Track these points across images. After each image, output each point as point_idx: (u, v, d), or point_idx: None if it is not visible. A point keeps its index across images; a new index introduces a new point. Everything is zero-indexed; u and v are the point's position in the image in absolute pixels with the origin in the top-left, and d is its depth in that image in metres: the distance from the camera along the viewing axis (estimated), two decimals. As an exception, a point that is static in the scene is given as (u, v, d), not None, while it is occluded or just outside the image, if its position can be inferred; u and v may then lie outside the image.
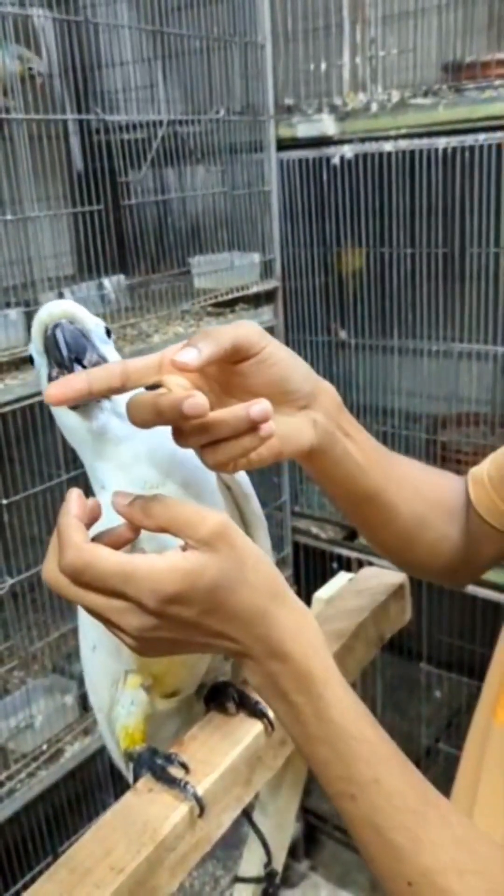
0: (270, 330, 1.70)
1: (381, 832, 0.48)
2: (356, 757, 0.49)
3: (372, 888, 2.04)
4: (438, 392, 1.58)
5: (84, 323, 0.54)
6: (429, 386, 1.59)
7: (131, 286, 1.36)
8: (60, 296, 1.24)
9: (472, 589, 1.51)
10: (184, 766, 0.64)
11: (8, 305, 1.20)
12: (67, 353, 0.52)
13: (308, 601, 0.88)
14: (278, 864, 0.82)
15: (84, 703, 1.40)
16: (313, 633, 0.50)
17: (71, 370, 0.52)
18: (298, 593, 0.53)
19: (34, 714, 1.30)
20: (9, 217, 1.12)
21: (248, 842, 0.85)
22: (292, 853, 2.04)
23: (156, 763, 0.64)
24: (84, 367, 0.53)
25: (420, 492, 0.74)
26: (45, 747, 1.32)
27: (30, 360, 0.57)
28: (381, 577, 0.91)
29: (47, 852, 1.38)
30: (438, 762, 1.80)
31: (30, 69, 1.17)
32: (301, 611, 0.51)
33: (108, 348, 0.56)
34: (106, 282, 1.27)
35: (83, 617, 0.65)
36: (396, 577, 0.91)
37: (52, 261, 1.45)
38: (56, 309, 0.53)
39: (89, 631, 0.63)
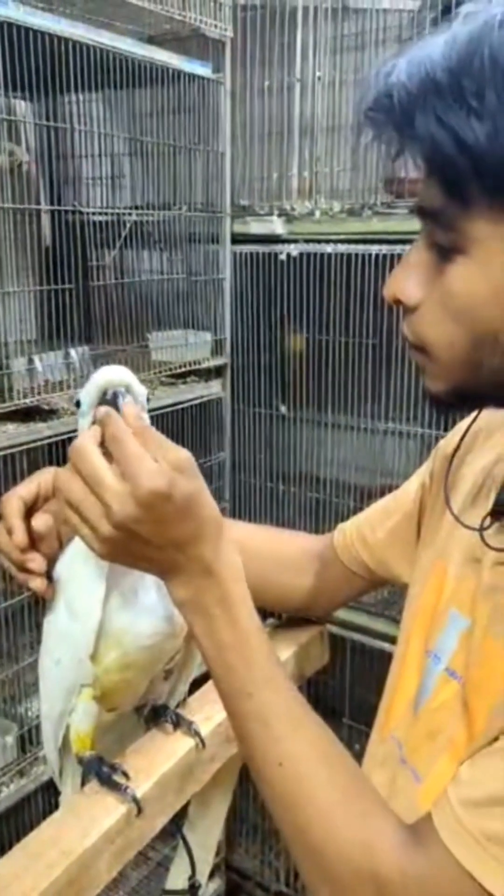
0: (219, 401, 1.86)
1: (267, 722, 0.61)
2: (258, 661, 0.62)
3: None
4: (367, 465, 1.75)
5: (136, 395, 0.66)
6: (358, 459, 1.76)
7: (95, 356, 1.50)
8: (30, 361, 1.37)
9: (383, 645, 1.67)
10: (125, 775, 0.75)
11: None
12: None
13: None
14: (202, 877, 0.92)
15: (23, 745, 1.47)
16: (239, 566, 0.64)
17: None
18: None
19: (-25, 752, 1.36)
20: (-10, 291, 1.25)
21: (176, 858, 0.94)
22: (214, 910, 2.07)
23: (102, 770, 0.75)
24: None
25: (269, 553, 0.98)
26: (-18, 785, 1.38)
27: (76, 404, 0.68)
28: (303, 624, 1.05)
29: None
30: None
31: (18, 164, 1.32)
32: (233, 547, 0.64)
33: (146, 416, 0.67)
34: (72, 351, 1.41)
35: (50, 634, 0.76)
36: (317, 625, 1.05)
37: (18, 326, 1.59)
38: (116, 376, 0.65)
39: (56, 647, 0.75)
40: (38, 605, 1.51)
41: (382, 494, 0.96)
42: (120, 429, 0.60)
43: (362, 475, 1.75)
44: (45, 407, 1.46)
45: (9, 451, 1.32)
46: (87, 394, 0.68)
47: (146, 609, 0.73)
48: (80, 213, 1.53)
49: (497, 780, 0.55)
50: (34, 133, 1.65)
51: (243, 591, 0.64)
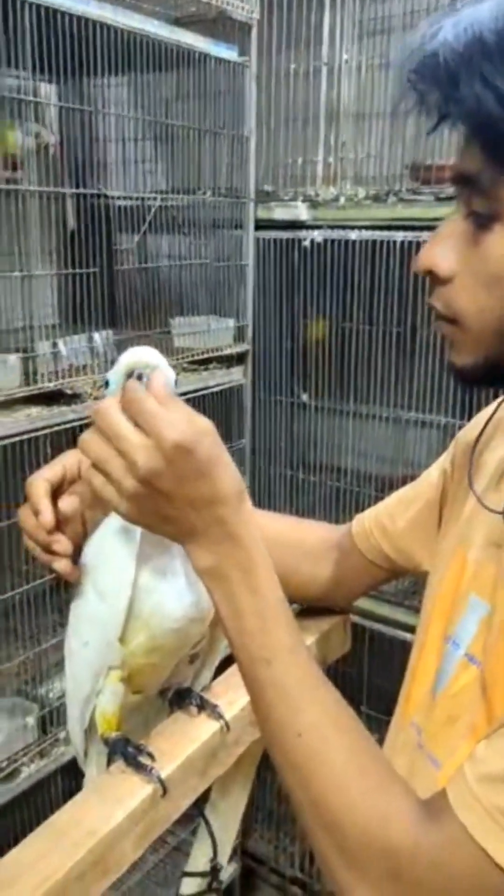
0: (240, 388, 1.86)
1: (286, 691, 0.61)
2: (278, 630, 0.62)
3: (303, 933, 2.10)
4: (388, 455, 1.75)
5: (165, 376, 0.65)
6: (379, 448, 1.76)
7: (118, 341, 1.50)
8: (54, 345, 1.38)
9: (403, 635, 1.67)
10: (150, 756, 0.75)
11: (6, 351, 1.33)
12: None
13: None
14: (223, 859, 0.92)
15: (44, 727, 1.48)
16: (259, 533, 0.63)
17: None
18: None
19: (-4, 732, 1.38)
20: (16, 274, 1.25)
21: (197, 840, 0.95)
22: (229, 894, 2.09)
23: (128, 751, 0.75)
24: None
25: (288, 542, 0.96)
26: (4, 764, 1.40)
27: (105, 384, 0.68)
28: (326, 612, 1.05)
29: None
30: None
31: (45, 146, 1.32)
32: (253, 513, 0.64)
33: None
34: (96, 336, 1.41)
35: (78, 616, 0.76)
36: (340, 613, 1.05)
37: (41, 310, 1.59)
38: (144, 357, 0.65)
39: (84, 629, 0.75)
40: (59, 588, 1.52)
41: (404, 484, 0.96)
42: (139, 393, 0.60)
43: (383, 465, 1.74)
44: (69, 391, 1.47)
45: (33, 434, 1.33)
46: (115, 373, 0.68)
47: (174, 593, 0.73)
48: (105, 196, 1.53)
49: None
50: (59, 116, 1.65)
51: (264, 557, 0.63)
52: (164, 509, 0.61)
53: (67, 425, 1.39)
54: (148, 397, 0.60)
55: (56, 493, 0.76)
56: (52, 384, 1.36)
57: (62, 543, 0.73)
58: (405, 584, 1.69)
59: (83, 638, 0.75)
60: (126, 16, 1.36)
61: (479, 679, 0.66)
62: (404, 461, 1.70)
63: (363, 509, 0.97)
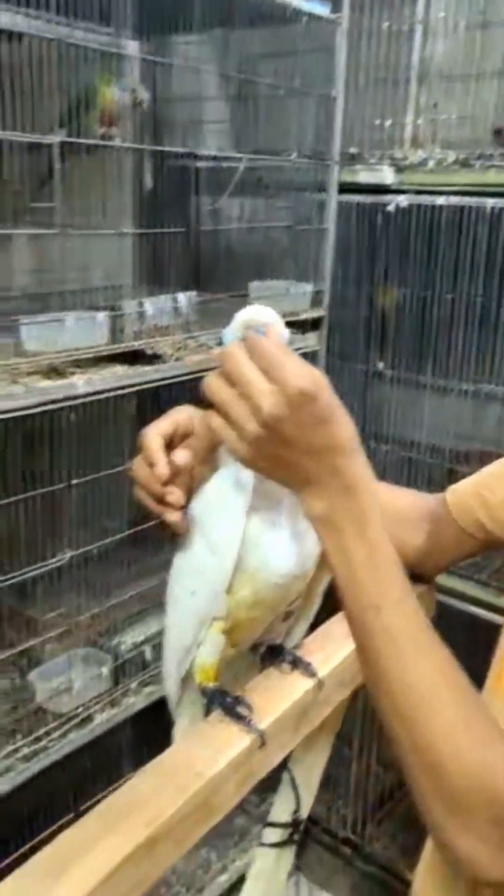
0: (314, 354, 1.85)
1: (395, 640, 0.62)
2: (388, 579, 0.63)
3: (351, 891, 2.14)
4: (464, 430, 1.72)
5: (278, 333, 0.66)
6: (456, 423, 1.73)
7: (201, 302, 1.50)
8: (140, 304, 1.38)
9: (473, 609, 1.66)
10: (249, 707, 0.77)
11: (96, 308, 1.34)
12: None
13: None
14: (303, 813, 0.95)
15: (116, 677, 1.53)
16: (374, 484, 0.64)
17: None
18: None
19: (73, 679, 1.42)
20: (107, 231, 1.26)
21: (279, 793, 0.97)
22: (279, 850, 2.14)
23: (227, 701, 0.77)
24: None
25: (383, 506, 0.94)
26: (79, 710, 1.45)
27: (219, 342, 0.69)
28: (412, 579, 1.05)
29: (69, 810, 1.49)
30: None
31: (139, 103, 1.32)
32: (368, 465, 0.64)
33: None
34: (180, 296, 1.41)
35: (185, 567, 0.77)
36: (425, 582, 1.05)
37: (126, 270, 1.60)
38: (260, 315, 0.67)
39: (191, 580, 0.76)
40: (133, 544, 1.56)
41: (482, 461, 0.95)
42: (262, 342, 0.61)
43: (459, 440, 1.72)
44: (149, 352, 1.48)
45: (118, 392, 1.35)
46: (231, 330, 0.69)
47: (280, 548, 0.73)
48: (189, 156, 1.52)
49: None
50: (144, 74, 1.63)
51: (376, 508, 0.64)
52: (284, 455, 0.62)
53: (151, 384, 1.40)
54: (272, 346, 0.61)
55: (167, 447, 0.77)
56: (137, 343, 1.37)
57: (175, 495, 0.74)
58: (477, 558, 1.68)
59: (190, 588, 0.76)
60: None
61: None
62: (482, 437, 1.68)
63: (435, 481, 0.97)
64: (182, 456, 0.75)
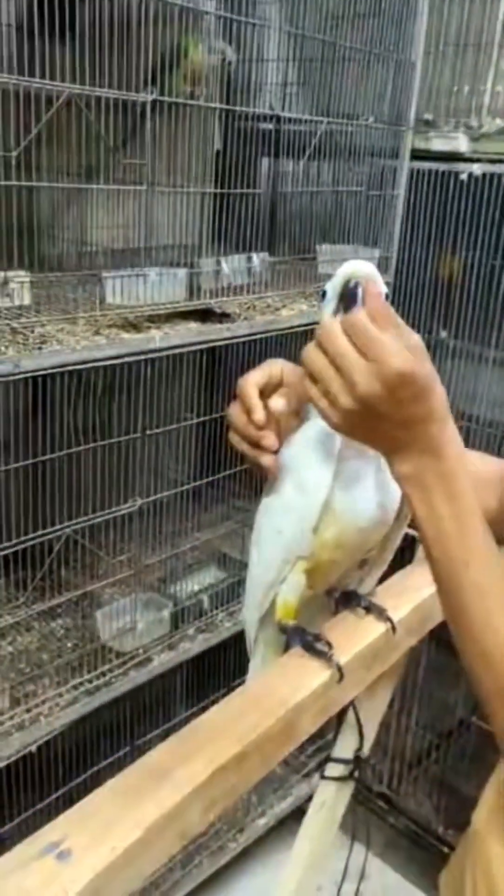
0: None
1: (483, 591, 0.65)
2: (474, 535, 0.66)
3: (384, 845, 2.21)
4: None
5: (377, 286, 0.69)
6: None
7: (273, 263, 1.53)
8: (217, 263, 1.42)
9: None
10: (329, 644, 0.82)
11: (174, 265, 1.38)
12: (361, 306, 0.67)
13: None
14: (366, 751, 1.00)
15: (175, 622, 1.60)
16: (461, 447, 0.68)
17: None
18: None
19: (136, 621, 1.50)
20: (191, 190, 1.29)
21: (343, 731, 1.03)
22: (315, 801, 2.21)
23: (306, 638, 0.82)
24: None
25: None
26: (140, 651, 1.52)
27: (322, 295, 0.73)
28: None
29: (125, 745, 1.58)
30: (472, 733, 1.96)
31: (228, 64, 1.34)
32: (457, 436, 0.68)
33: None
34: (254, 256, 1.44)
35: (274, 508, 0.82)
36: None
37: (204, 228, 1.62)
38: (361, 269, 0.70)
39: (280, 519, 0.81)
40: (198, 496, 1.61)
41: None
42: (361, 318, 0.64)
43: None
44: (219, 310, 1.52)
45: (191, 347, 1.39)
46: (333, 284, 0.72)
47: (365, 495, 0.78)
48: (272, 117, 1.54)
49: None
50: (220, 34, 1.64)
51: (464, 468, 0.67)
52: (375, 426, 0.66)
53: (222, 342, 1.44)
54: (370, 323, 0.63)
55: (261, 395, 0.81)
56: (213, 301, 1.40)
57: (270, 439, 0.78)
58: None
59: (278, 527, 0.81)
60: None
61: None
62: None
63: (495, 445, 0.98)
64: (278, 403, 0.80)
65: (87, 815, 0.61)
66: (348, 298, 0.69)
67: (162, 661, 1.56)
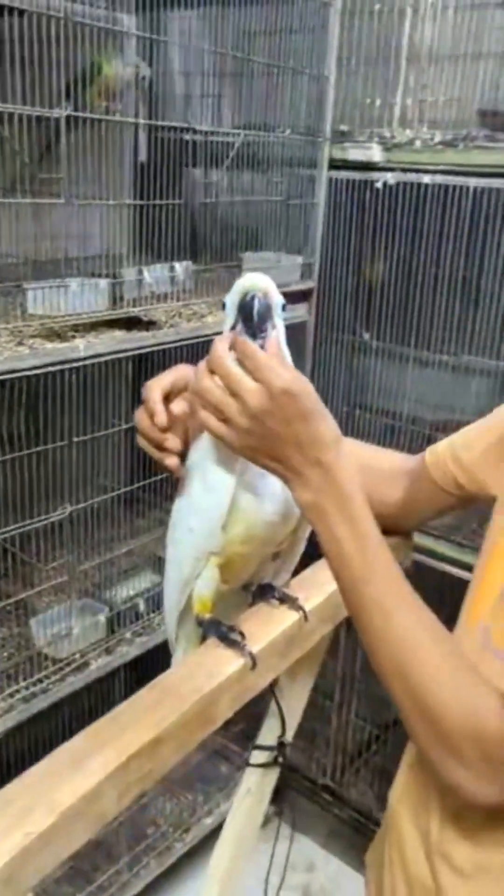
0: (303, 325, 1.92)
1: (384, 606, 0.71)
2: (374, 553, 0.72)
3: (328, 836, 2.27)
4: (445, 401, 1.81)
5: (272, 299, 0.74)
6: (437, 394, 1.82)
7: (197, 272, 1.57)
8: (139, 273, 1.45)
9: (445, 567, 1.76)
10: (242, 634, 0.86)
11: (95, 275, 1.41)
12: (256, 321, 0.73)
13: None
14: (288, 736, 1.04)
15: (111, 626, 1.62)
16: (354, 470, 0.73)
17: (254, 333, 0.72)
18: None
19: (72, 626, 1.51)
20: (111, 202, 1.33)
21: (267, 719, 1.07)
22: (261, 797, 2.25)
23: (221, 629, 0.86)
24: (261, 332, 0.73)
25: (364, 465, 0.99)
26: (76, 656, 1.54)
27: (223, 306, 0.77)
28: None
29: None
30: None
31: (142, 78, 1.37)
32: (349, 454, 0.73)
33: (279, 321, 0.76)
34: (177, 265, 1.48)
35: (185, 507, 0.86)
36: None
37: (125, 239, 1.66)
38: (257, 282, 0.74)
39: (191, 518, 0.85)
40: (130, 503, 1.64)
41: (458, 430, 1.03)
42: (250, 346, 0.70)
43: (440, 410, 1.80)
44: (146, 318, 1.55)
45: (117, 355, 1.42)
46: (231, 297, 0.77)
47: (269, 492, 0.82)
48: (187, 130, 1.58)
49: None
50: (138, 49, 1.68)
51: (359, 491, 0.72)
52: (270, 446, 0.71)
53: (148, 349, 1.48)
54: (258, 349, 0.69)
55: (166, 399, 0.85)
56: (136, 309, 1.44)
57: (173, 441, 0.82)
58: (449, 518, 1.78)
59: (189, 525, 0.85)
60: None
61: None
62: (461, 408, 1.77)
63: (417, 448, 1.05)
64: (179, 406, 0.84)
65: (4, 804, 0.64)
66: (246, 311, 0.74)
67: (99, 665, 1.58)
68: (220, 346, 0.71)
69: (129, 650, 1.64)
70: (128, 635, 1.64)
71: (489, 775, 0.68)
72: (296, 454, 0.70)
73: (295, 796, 2.35)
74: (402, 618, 0.71)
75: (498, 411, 0.99)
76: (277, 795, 2.36)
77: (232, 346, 0.71)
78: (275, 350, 0.71)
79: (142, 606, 1.67)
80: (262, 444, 0.71)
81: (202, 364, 0.73)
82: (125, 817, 1.88)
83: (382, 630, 0.71)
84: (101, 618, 1.58)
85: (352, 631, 2.10)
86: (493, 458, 0.96)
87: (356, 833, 2.14)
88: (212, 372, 0.71)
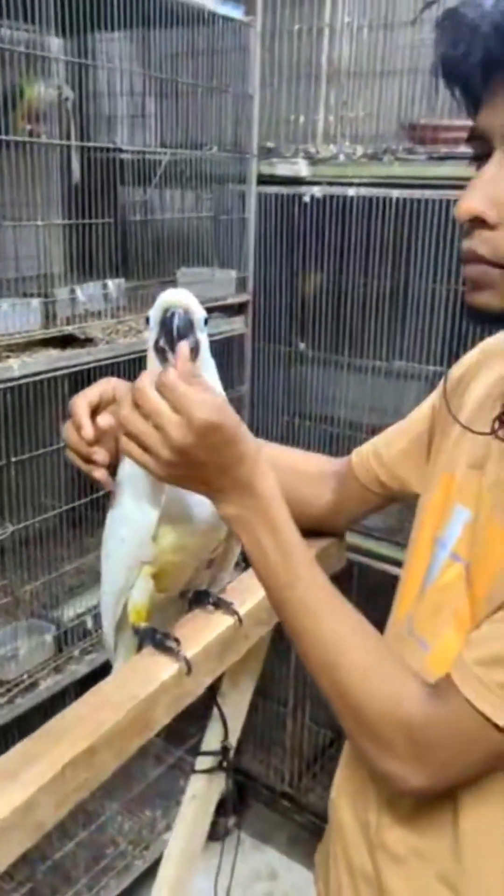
0: (241, 337, 1.96)
1: (308, 607, 0.74)
2: (297, 560, 0.75)
3: (289, 843, 2.28)
4: (379, 404, 1.86)
5: (193, 314, 0.77)
6: (371, 398, 1.87)
7: (129, 289, 1.59)
8: (72, 291, 1.47)
9: (386, 567, 1.81)
10: (176, 641, 0.88)
11: (28, 295, 1.42)
12: (176, 335, 0.75)
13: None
14: (232, 740, 1.06)
15: (59, 644, 1.62)
16: (275, 483, 0.75)
17: (173, 346, 0.74)
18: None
19: (18, 647, 1.51)
20: (39, 223, 1.34)
21: (210, 725, 1.08)
22: (220, 808, 2.25)
23: (157, 637, 0.88)
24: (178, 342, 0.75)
25: (292, 469, 1.07)
26: (25, 678, 1.53)
27: (146, 321, 0.79)
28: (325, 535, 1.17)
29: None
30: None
31: (65, 99, 1.39)
32: (269, 468, 0.76)
33: (203, 335, 0.78)
34: (109, 283, 1.50)
35: (117, 519, 0.87)
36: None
37: (57, 259, 1.67)
38: (178, 298, 0.76)
39: (122, 529, 0.86)
40: (74, 523, 1.64)
41: None
42: (170, 377, 0.71)
43: (374, 414, 1.86)
44: (82, 336, 1.56)
45: (52, 374, 1.43)
46: (153, 312, 0.79)
47: (198, 502, 0.84)
48: (114, 150, 1.61)
49: (502, 641, 0.68)
50: (66, 71, 1.70)
51: (280, 502, 0.75)
52: (194, 473, 0.73)
53: (84, 367, 1.49)
54: (178, 381, 0.70)
55: (93, 413, 0.87)
56: (70, 328, 1.45)
57: (100, 454, 0.84)
58: (391, 520, 1.82)
59: (121, 536, 0.86)
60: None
61: (463, 574, 0.78)
62: (394, 410, 1.82)
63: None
64: (106, 420, 0.86)
65: None
66: (167, 327, 0.77)
67: (48, 685, 1.57)
68: (145, 378, 0.72)
69: (79, 668, 1.64)
70: (76, 653, 1.64)
71: (417, 761, 0.71)
72: (219, 476, 0.73)
73: (255, 806, 2.37)
74: (327, 617, 0.74)
75: (416, 411, 1.03)
76: (237, 806, 2.38)
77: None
78: (184, 366, 0.73)
79: (90, 623, 1.67)
80: (185, 472, 0.73)
81: (128, 394, 0.74)
82: (83, 839, 1.87)
83: (310, 631, 0.74)
84: (49, 637, 1.58)
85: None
86: (413, 456, 1.00)
87: (316, 838, 2.13)
88: (136, 404, 0.73)
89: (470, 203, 0.66)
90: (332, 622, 0.74)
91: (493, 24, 0.62)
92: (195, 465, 0.72)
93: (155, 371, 0.73)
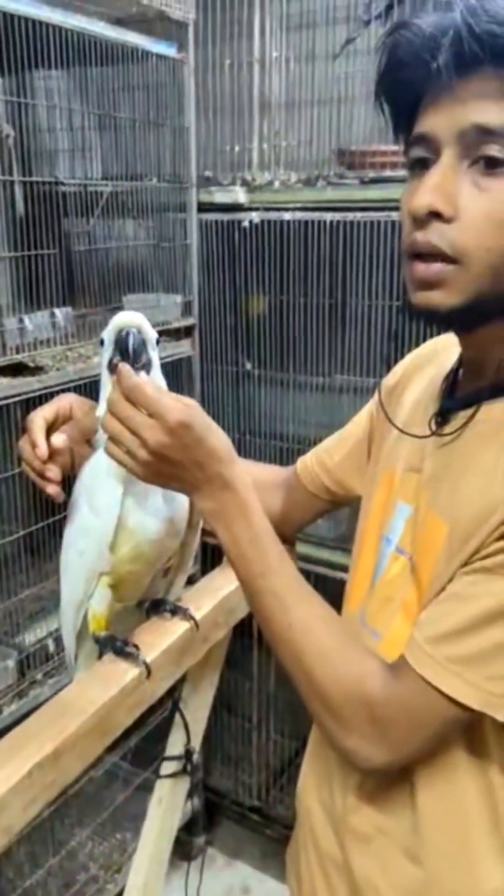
0: (189, 359, 2.01)
1: (277, 595, 0.79)
2: (268, 551, 0.80)
3: (262, 857, 2.30)
4: (324, 419, 1.93)
5: (147, 334, 0.82)
6: (316, 413, 1.94)
7: (77, 317, 1.63)
8: (20, 321, 1.51)
9: (340, 575, 1.86)
10: (136, 647, 0.92)
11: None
12: (132, 353, 0.80)
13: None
14: (195, 744, 1.10)
15: (21, 670, 1.63)
16: (249, 479, 0.81)
17: (131, 364, 0.79)
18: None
19: (-20, 674, 1.52)
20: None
21: (173, 731, 1.12)
22: (191, 828, 2.27)
23: (116, 644, 0.92)
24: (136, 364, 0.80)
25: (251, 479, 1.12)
26: (-13, 704, 1.54)
27: (101, 342, 0.85)
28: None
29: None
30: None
31: (6, 136, 1.44)
32: (243, 466, 0.81)
33: (155, 354, 0.84)
34: (57, 312, 1.54)
35: (75, 531, 0.91)
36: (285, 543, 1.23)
37: (4, 290, 1.71)
38: (131, 319, 0.82)
39: (80, 541, 0.90)
40: (32, 549, 1.66)
41: None
42: (134, 381, 0.77)
43: (320, 428, 1.92)
44: (31, 364, 1.60)
45: (3, 402, 1.46)
46: (107, 333, 0.85)
47: (154, 511, 0.89)
48: (56, 184, 1.66)
49: (448, 619, 0.73)
50: (5, 108, 1.75)
51: (254, 497, 0.81)
52: (171, 471, 0.79)
53: (35, 394, 1.52)
54: (144, 384, 0.77)
55: (50, 429, 0.91)
56: (20, 356, 1.49)
57: (53, 471, 0.88)
58: (342, 529, 1.89)
59: (79, 548, 0.90)
60: (73, 18, 1.49)
61: (408, 566, 0.84)
62: (339, 423, 1.88)
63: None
64: (60, 439, 0.90)
65: None
66: (122, 345, 0.82)
67: (12, 711, 1.58)
68: (115, 392, 0.78)
69: (42, 691, 1.65)
70: (39, 676, 1.65)
71: (378, 737, 0.75)
72: (196, 472, 0.78)
73: (225, 823, 2.38)
74: (295, 605, 0.79)
75: (355, 420, 1.10)
76: (207, 825, 2.39)
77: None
78: (128, 380, 0.77)
79: (52, 647, 1.68)
80: (164, 471, 0.78)
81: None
82: (53, 865, 1.86)
83: (277, 618, 0.79)
84: (10, 662, 1.59)
85: (264, 650, 2.18)
86: (355, 461, 1.06)
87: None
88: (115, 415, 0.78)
89: (426, 198, 0.69)
90: (300, 610, 0.79)
91: (465, 23, 0.65)
92: (172, 464, 0.77)
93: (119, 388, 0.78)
